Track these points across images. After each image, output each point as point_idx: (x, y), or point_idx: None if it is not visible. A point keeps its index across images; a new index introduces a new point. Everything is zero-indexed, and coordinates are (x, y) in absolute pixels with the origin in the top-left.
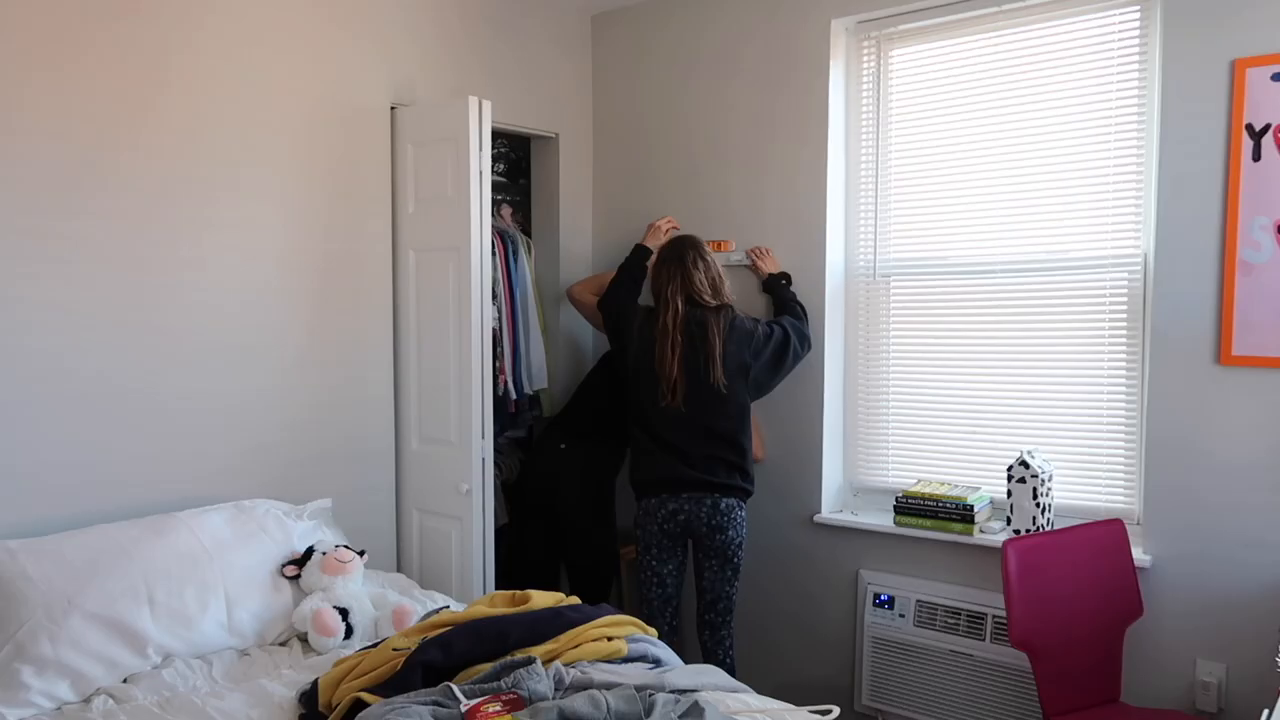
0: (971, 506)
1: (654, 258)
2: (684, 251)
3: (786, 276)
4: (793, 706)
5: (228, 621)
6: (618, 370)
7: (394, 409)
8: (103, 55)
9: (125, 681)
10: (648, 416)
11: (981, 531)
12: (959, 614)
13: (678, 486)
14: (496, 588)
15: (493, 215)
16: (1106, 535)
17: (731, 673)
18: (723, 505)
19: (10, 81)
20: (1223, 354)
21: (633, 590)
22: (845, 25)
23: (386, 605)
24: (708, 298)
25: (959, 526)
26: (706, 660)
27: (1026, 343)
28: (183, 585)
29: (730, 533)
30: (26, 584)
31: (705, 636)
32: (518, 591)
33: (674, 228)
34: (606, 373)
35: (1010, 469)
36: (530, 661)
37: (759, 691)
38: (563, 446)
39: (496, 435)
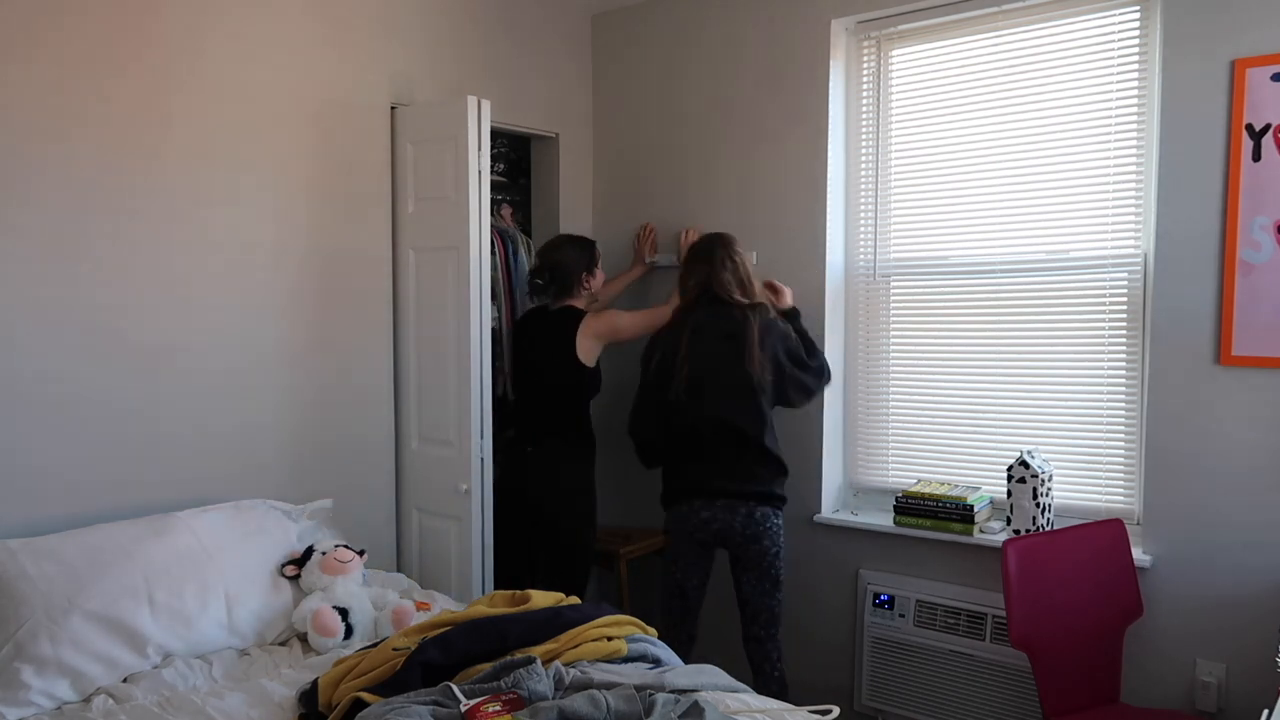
0: (971, 506)
1: (685, 255)
2: (713, 249)
3: (796, 312)
4: (792, 706)
5: (228, 621)
6: (656, 390)
7: (394, 409)
8: (102, 54)
9: (125, 681)
10: (675, 423)
11: (981, 531)
12: (959, 614)
13: (711, 493)
14: (496, 587)
15: (493, 215)
16: (1106, 535)
17: (783, 686)
18: (757, 514)
19: (12, 80)
20: (1223, 354)
21: (633, 590)
22: (845, 25)
23: (386, 605)
24: (736, 295)
25: (959, 526)
26: (755, 674)
27: (1026, 343)
28: (183, 585)
29: (765, 543)
30: (26, 584)
31: (751, 649)
32: (518, 591)
33: None
34: (557, 372)
35: (1010, 469)
36: (530, 661)
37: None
38: (530, 449)
39: (496, 435)
